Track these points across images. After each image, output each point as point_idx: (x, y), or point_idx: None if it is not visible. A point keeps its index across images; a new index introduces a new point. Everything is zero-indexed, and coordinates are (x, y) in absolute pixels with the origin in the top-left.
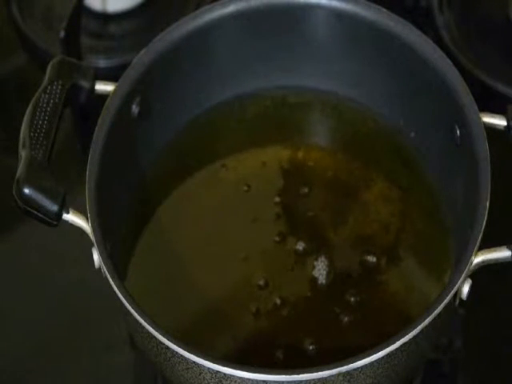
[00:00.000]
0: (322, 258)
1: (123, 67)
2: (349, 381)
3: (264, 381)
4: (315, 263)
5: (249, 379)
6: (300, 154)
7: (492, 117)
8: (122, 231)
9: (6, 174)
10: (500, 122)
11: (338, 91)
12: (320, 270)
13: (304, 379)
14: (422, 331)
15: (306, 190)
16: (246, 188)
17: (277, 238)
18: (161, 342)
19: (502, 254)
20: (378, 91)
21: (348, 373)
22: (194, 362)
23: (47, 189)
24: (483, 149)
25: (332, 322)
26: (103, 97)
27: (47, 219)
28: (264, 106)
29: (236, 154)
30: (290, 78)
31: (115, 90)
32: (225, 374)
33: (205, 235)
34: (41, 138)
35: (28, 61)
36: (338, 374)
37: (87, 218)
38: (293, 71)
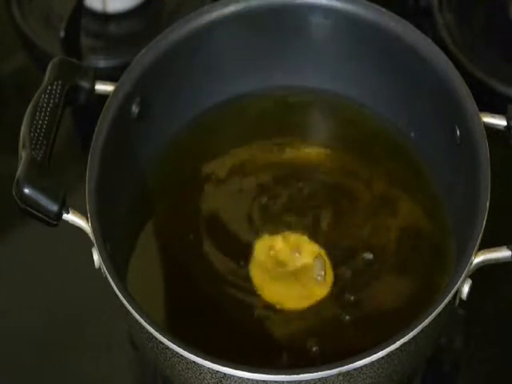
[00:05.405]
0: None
1: (123, 67)
2: (349, 381)
3: (264, 381)
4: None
5: (249, 379)
6: (300, 154)
7: (492, 117)
8: (121, 231)
9: (6, 174)
10: (500, 122)
11: (338, 91)
12: (318, 270)
13: (304, 379)
14: (422, 331)
15: (305, 190)
16: (246, 188)
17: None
18: (161, 342)
19: (501, 254)
20: (378, 91)
21: (348, 373)
22: (194, 362)
23: (47, 189)
24: (483, 149)
25: (333, 322)
26: (103, 97)
27: (47, 219)
28: (264, 105)
29: (236, 154)
30: (290, 77)
31: (115, 90)
32: (225, 374)
33: (204, 236)
34: (41, 138)
35: (28, 61)
36: (338, 374)
37: (87, 218)
38: (293, 71)
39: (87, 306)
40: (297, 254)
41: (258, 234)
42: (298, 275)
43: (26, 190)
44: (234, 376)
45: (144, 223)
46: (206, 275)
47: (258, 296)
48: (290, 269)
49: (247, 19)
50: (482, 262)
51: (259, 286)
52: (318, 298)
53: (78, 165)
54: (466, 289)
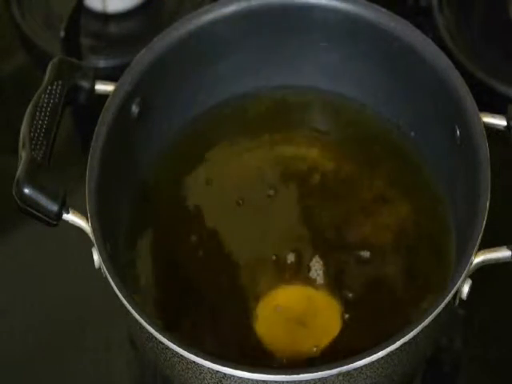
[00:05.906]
0: (317, 259)
1: (123, 67)
2: (349, 381)
3: (264, 381)
4: (310, 264)
5: (249, 379)
6: (300, 154)
7: (492, 117)
8: (122, 231)
9: (6, 174)
10: (500, 122)
11: (338, 91)
12: (317, 270)
13: (304, 379)
14: (422, 331)
15: (305, 189)
16: (246, 188)
17: (273, 241)
18: (161, 342)
19: (502, 253)
20: (378, 91)
21: (348, 373)
22: (194, 362)
23: (47, 189)
24: (483, 149)
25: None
26: (103, 97)
27: (47, 219)
28: (264, 105)
29: (235, 154)
30: (290, 77)
31: (115, 90)
32: (225, 374)
33: (204, 235)
34: (41, 138)
35: (28, 61)
36: (338, 374)
37: (87, 218)
38: (293, 71)
39: (87, 306)
40: (302, 303)
41: (257, 232)
42: (305, 321)
43: (26, 190)
44: (233, 376)
45: (144, 223)
46: (206, 275)
47: (258, 298)
48: (296, 316)
49: (247, 19)
50: (482, 261)
51: (270, 345)
52: (330, 339)
53: (78, 165)
54: (466, 289)
